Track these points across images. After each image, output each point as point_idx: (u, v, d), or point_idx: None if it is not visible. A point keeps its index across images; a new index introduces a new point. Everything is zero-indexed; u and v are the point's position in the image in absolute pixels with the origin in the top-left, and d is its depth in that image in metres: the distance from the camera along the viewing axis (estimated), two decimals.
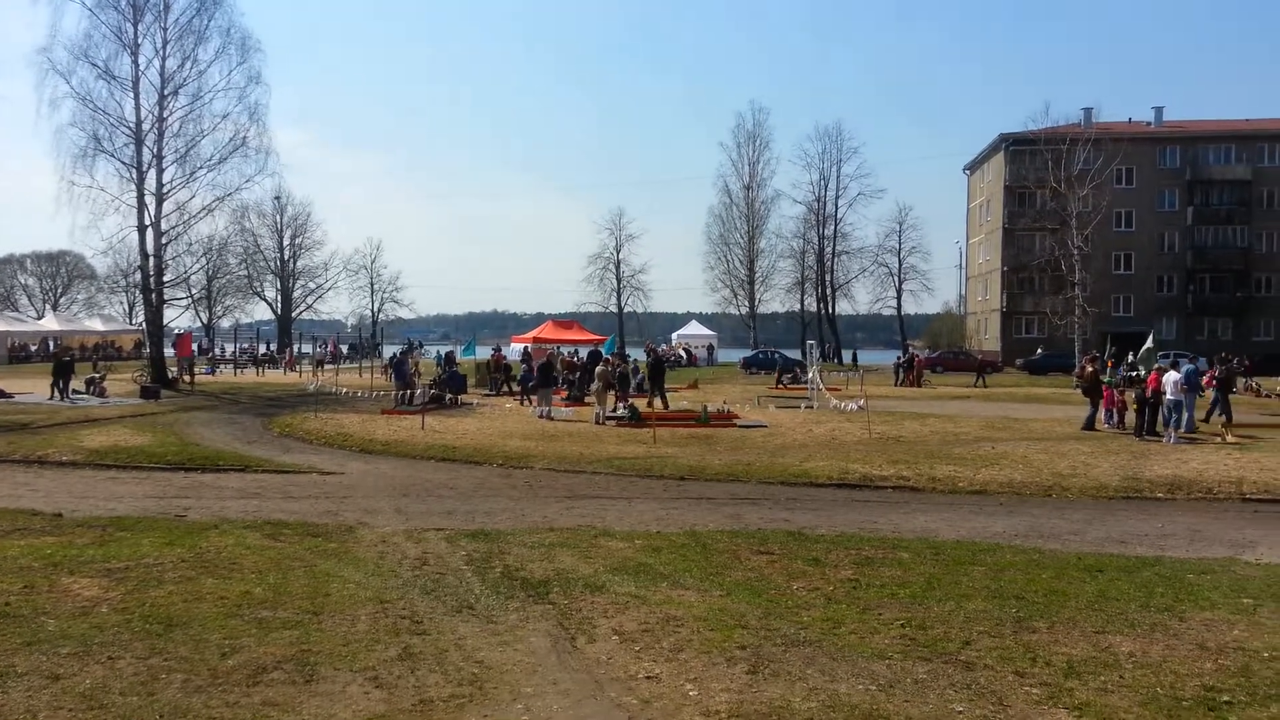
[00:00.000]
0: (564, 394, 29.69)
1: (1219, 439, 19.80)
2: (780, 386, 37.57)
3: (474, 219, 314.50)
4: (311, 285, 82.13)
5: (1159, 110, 66.84)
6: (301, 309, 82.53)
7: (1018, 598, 7.79)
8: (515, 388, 32.03)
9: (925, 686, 5.74)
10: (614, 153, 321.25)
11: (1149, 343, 23.72)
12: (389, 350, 56.78)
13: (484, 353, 49.94)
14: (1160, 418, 20.20)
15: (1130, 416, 21.17)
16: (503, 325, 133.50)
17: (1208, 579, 8.55)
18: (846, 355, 72.36)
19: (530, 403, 27.98)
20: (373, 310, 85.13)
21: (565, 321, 47.05)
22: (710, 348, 66.79)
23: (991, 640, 6.65)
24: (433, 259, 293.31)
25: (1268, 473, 15.08)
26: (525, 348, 41.60)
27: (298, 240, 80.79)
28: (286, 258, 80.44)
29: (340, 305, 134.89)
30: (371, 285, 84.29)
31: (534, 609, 7.36)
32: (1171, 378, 20.09)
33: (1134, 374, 21.63)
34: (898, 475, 15.17)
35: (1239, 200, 62.98)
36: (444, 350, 43.59)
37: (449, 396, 28.71)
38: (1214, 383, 23.71)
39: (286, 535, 10.10)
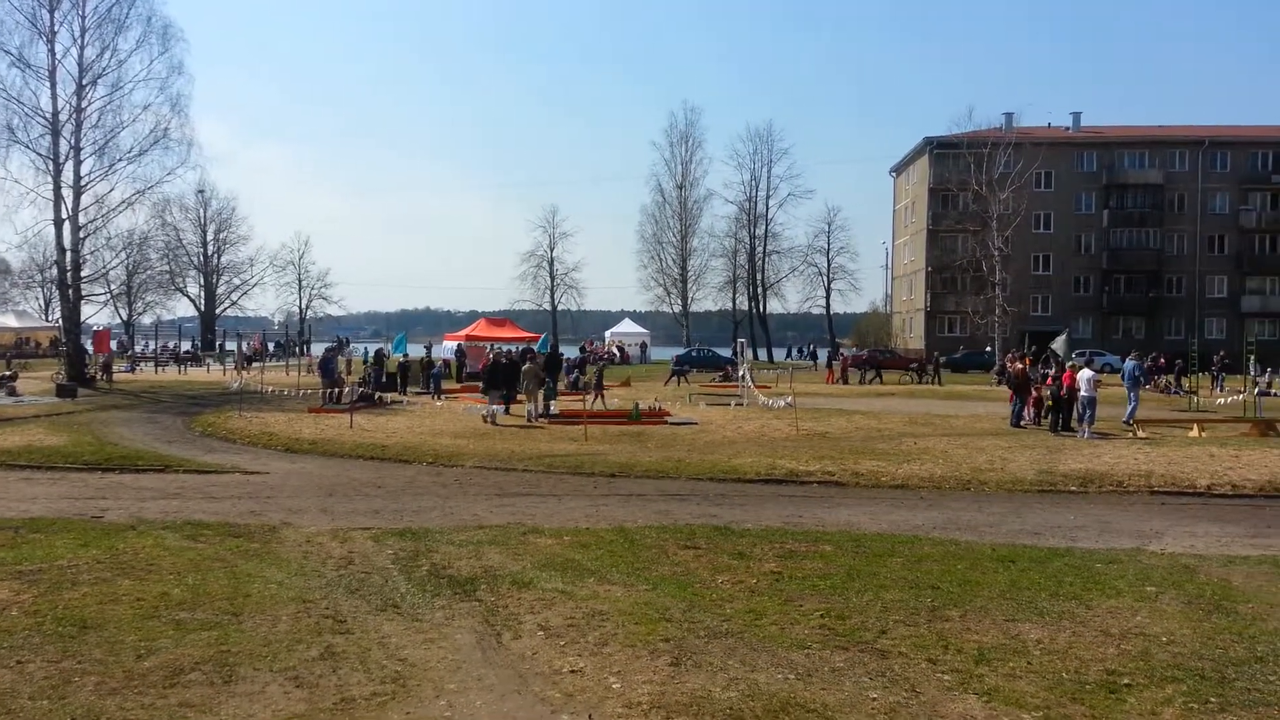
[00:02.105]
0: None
1: (1130, 435, 20.58)
2: (674, 381, 37.96)
3: (407, 216, 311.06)
4: (236, 281, 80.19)
5: (1077, 116, 69.23)
6: (226, 305, 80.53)
7: (933, 588, 8.04)
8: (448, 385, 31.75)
9: (841, 674, 5.91)
10: (549, 150, 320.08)
11: (1059, 340, 24.56)
12: (318, 348, 55.73)
13: (416, 350, 49.37)
14: (1075, 414, 20.92)
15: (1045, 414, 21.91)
16: (436, 323, 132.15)
17: (1115, 569, 8.90)
18: (780, 354, 73.29)
19: (440, 399, 28.17)
20: (300, 307, 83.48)
21: (498, 319, 46.84)
22: (643, 346, 67.08)
23: (907, 629, 6.87)
24: (364, 256, 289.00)
25: (1174, 466, 15.73)
26: (458, 345, 41.32)
27: (222, 235, 78.82)
28: (210, 253, 78.38)
29: (267, 302, 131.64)
30: (299, 281, 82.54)
31: (460, 606, 7.36)
32: (1086, 375, 20.84)
33: (1050, 372, 22.36)
34: (823, 470, 15.46)
35: (1152, 204, 65.48)
36: (373, 348, 43.00)
37: (378, 395, 28.37)
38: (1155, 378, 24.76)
39: (207, 536, 9.92)
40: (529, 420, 23.11)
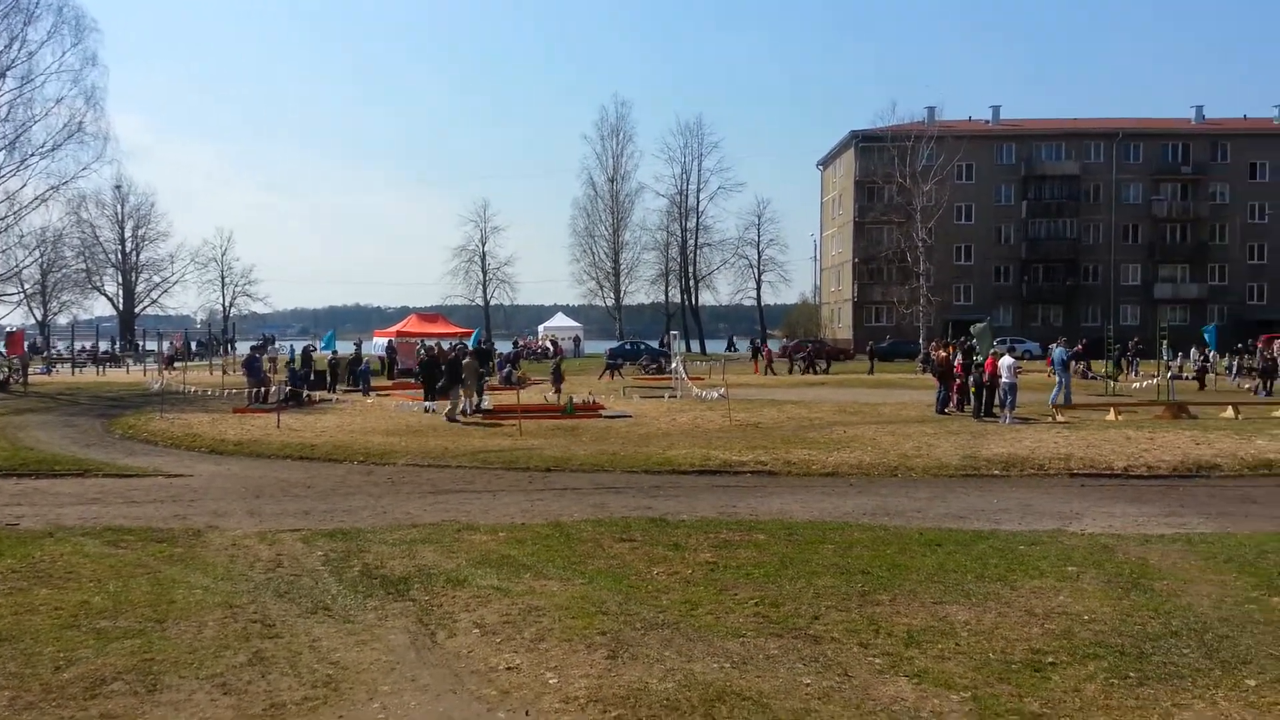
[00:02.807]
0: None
1: (1050, 419, 21.21)
2: (608, 375, 38.12)
3: (335, 211, 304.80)
4: (156, 279, 77.64)
5: (996, 109, 71.04)
6: (146, 304, 77.99)
7: (864, 573, 8.20)
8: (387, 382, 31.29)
9: (776, 661, 5.99)
10: (480, 143, 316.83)
11: (980, 327, 25.19)
12: (243, 347, 54.36)
13: (345, 348, 48.48)
14: (996, 400, 21.50)
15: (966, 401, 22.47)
16: (366, 319, 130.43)
17: (1037, 550, 9.17)
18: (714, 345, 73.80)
19: (370, 396, 27.86)
20: (224, 305, 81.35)
21: (430, 315, 46.34)
22: (577, 339, 66.95)
23: (839, 614, 6.99)
24: (291, 252, 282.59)
25: (1093, 449, 16.26)
26: (389, 341, 40.74)
27: (141, 232, 76.20)
28: (129, 250, 75.80)
29: (188, 300, 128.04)
30: (222, 279, 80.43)
31: (393, 606, 7.27)
32: (1007, 362, 21.40)
33: (975, 358, 22.95)
34: (756, 460, 15.63)
35: (1068, 195, 67.58)
36: (300, 346, 42.11)
37: (306, 393, 27.82)
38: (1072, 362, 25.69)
39: (128, 541, 9.61)
40: (464, 416, 22.88)
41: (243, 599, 7.46)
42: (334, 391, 29.80)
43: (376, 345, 43.07)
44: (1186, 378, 31.96)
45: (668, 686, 5.53)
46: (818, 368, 42.80)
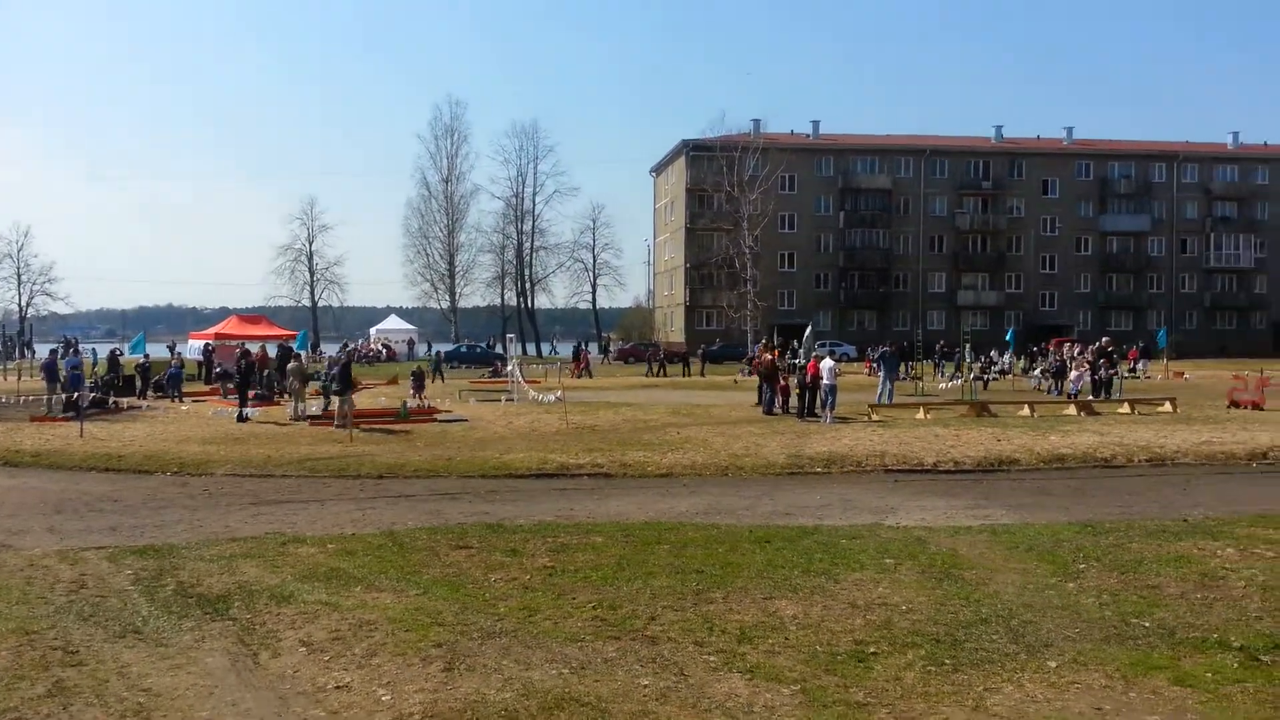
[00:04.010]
0: (251, 393, 27.85)
1: (867, 418, 22.36)
2: (437, 377, 37.68)
3: (148, 205, 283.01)
4: None
5: (816, 124, 74.34)
6: None
7: (698, 571, 8.39)
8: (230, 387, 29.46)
9: (614, 664, 6.04)
10: (307, 139, 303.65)
11: (808, 333, 26.35)
12: (43, 349, 49.98)
13: (158, 351, 45.51)
14: (819, 400, 22.48)
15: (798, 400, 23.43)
16: (180, 321, 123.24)
17: (857, 543, 9.64)
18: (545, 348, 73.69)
19: (184, 402, 26.47)
20: (20, 305, 74.53)
21: (252, 316, 44.15)
22: (410, 342, 65.29)
23: (675, 614, 7.12)
24: (96, 248, 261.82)
25: (905, 446, 17.25)
26: (207, 344, 38.53)
27: None
28: None
29: None
30: (18, 276, 73.74)
31: (212, 627, 6.87)
32: (827, 365, 22.43)
33: (796, 361, 23.99)
34: (593, 463, 15.73)
35: (881, 207, 71.62)
36: (105, 349, 39.18)
37: (113, 400, 25.91)
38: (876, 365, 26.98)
39: None
40: (292, 418, 21.94)
41: (41, 624, 6.87)
42: (144, 398, 27.90)
43: (193, 348, 40.61)
44: (989, 379, 34.40)
45: (505, 696, 5.48)
46: (667, 370, 44.23)
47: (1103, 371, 27.43)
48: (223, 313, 62.01)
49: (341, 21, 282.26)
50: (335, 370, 22.90)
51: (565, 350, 62.65)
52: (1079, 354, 34.28)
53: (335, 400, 22.04)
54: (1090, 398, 26.46)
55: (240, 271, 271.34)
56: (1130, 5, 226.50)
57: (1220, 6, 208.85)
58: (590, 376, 42.14)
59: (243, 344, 33.28)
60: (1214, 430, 19.40)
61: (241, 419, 21.88)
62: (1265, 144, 79.19)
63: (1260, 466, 15.96)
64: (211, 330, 40.23)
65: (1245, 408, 24.37)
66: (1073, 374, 28.96)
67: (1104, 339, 38.21)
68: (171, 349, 47.08)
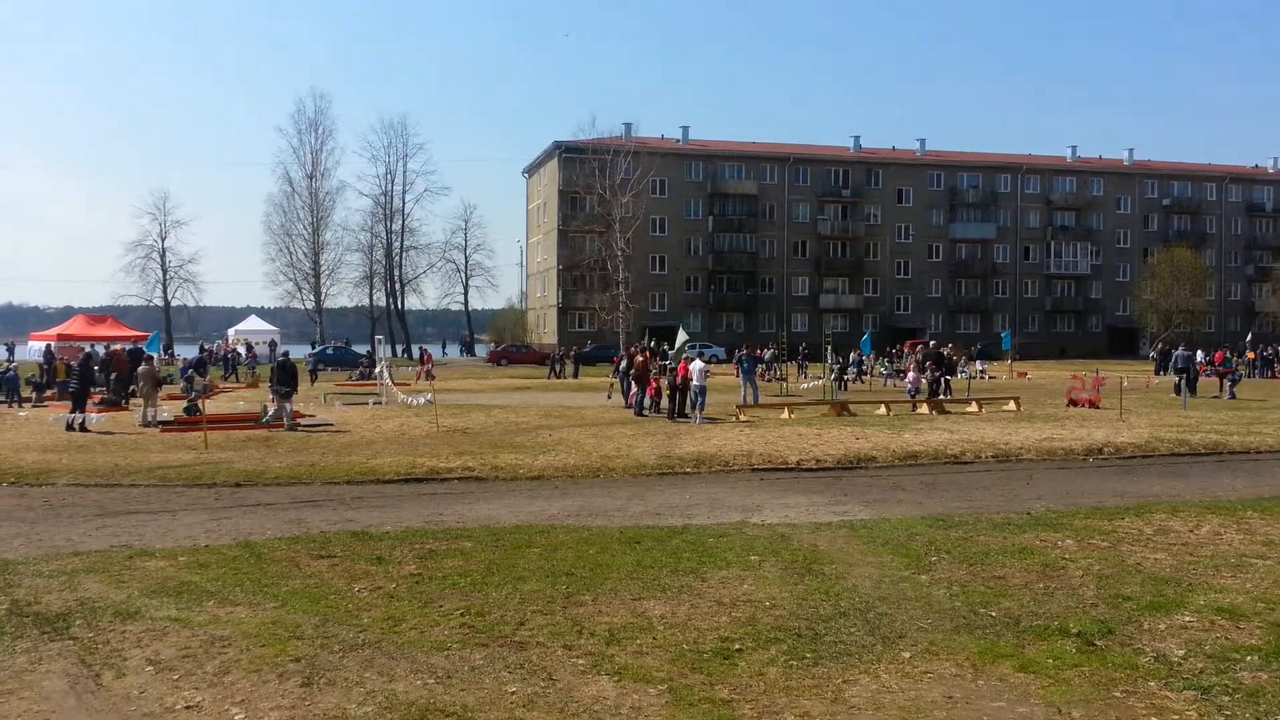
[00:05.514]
0: (97, 397, 26.24)
1: (734, 418, 22.84)
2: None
3: None
4: None
5: (685, 129, 75.57)
6: None
7: (568, 574, 8.38)
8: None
9: (481, 672, 5.96)
10: (157, 129, 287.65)
11: (682, 336, 26.70)
12: None
13: None
14: (689, 401, 22.83)
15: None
16: (20, 320, 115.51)
17: (724, 541, 9.81)
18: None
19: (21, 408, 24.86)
20: None
21: (99, 316, 41.74)
22: (273, 344, 62.73)
23: (544, 618, 7.09)
24: None
25: (770, 446, 17.70)
26: (48, 345, 36.20)
27: None
28: None
29: None
30: None
31: (50, 647, 6.43)
32: (697, 366, 22.81)
33: (666, 363, 24.33)
34: (464, 466, 15.49)
35: (748, 212, 73.46)
36: None
37: None
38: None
39: None
40: (142, 424, 20.79)
41: None
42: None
43: (33, 350, 38.03)
44: (848, 380, 35.66)
45: (367, 710, 5.33)
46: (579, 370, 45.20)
47: (929, 373, 28.78)
48: (67, 312, 58.19)
49: (192, 8, 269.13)
50: (275, 371, 22.45)
51: (438, 353, 61.54)
52: (907, 356, 36.01)
53: (274, 401, 21.61)
54: (927, 398, 27.63)
55: (87, 268, 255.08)
56: (975, 31, 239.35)
57: (1055, 37, 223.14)
58: (432, 378, 41.33)
59: (89, 345, 31.44)
60: (1054, 427, 20.69)
61: (71, 427, 20.42)
62: (1101, 157, 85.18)
63: (1096, 461, 17.10)
64: (54, 331, 37.95)
65: (1082, 406, 26.11)
66: (910, 375, 30.37)
67: (932, 341, 40.27)
68: (10, 349, 43.92)
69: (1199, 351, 45.86)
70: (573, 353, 49.65)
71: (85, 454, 16.93)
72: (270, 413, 21.86)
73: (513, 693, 5.61)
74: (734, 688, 5.72)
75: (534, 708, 5.40)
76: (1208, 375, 36.80)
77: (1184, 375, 29.74)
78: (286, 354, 25.90)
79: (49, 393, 28.51)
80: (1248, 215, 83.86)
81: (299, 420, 21.13)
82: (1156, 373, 42.61)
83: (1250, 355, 47.24)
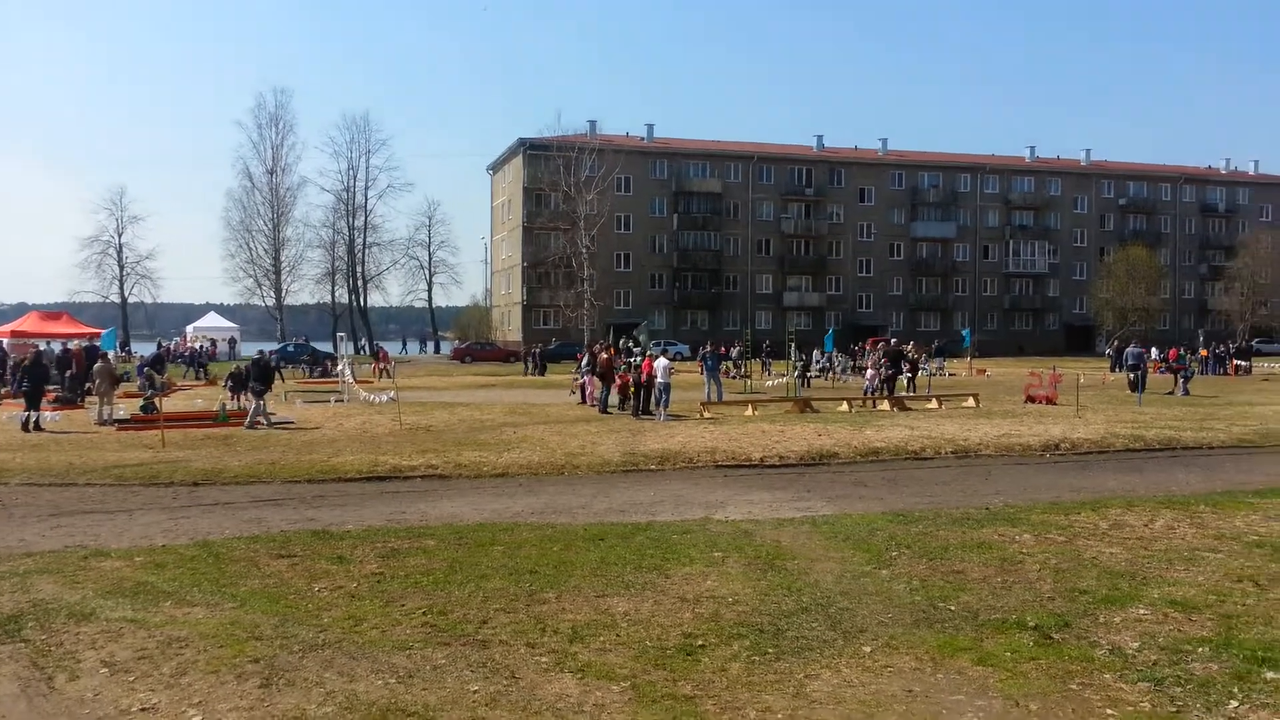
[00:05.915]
0: (52, 395, 25.72)
1: (698, 415, 22.91)
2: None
3: None
4: None
5: (650, 127, 75.76)
6: None
7: (531, 572, 8.35)
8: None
9: (443, 671, 5.93)
10: (114, 122, 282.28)
11: (644, 335, 26.80)
12: None
13: None
14: (654, 398, 22.86)
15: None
16: None
17: (688, 538, 9.84)
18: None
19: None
20: None
21: (53, 313, 41.00)
22: (232, 341, 61.91)
23: (507, 616, 7.07)
24: None
25: (734, 442, 17.76)
26: (1, 342, 35.50)
27: None
28: None
29: None
30: None
31: (1, 650, 6.30)
32: (662, 364, 22.85)
33: (631, 360, 24.36)
34: (427, 464, 15.39)
35: (712, 210, 73.73)
36: None
37: None
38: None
39: None
40: (98, 422, 20.42)
41: None
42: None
43: None
44: (811, 377, 35.90)
45: (327, 711, 5.28)
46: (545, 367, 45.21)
47: (884, 370, 29.03)
48: (21, 309, 57.04)
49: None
50: (251, 368, 22.39)
51: (397, 349, 60.89)
52: (869, 354, 36.36)
53: (251, 398, 21.40)
54: (885, 394, 27.85)
55: (41, 264, 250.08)
56: (936, 32, 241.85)
57: (1016, 38, 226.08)
58: (390, 376, 40.97)
59: (44, 342, 30.87)
60: (1012, 424, 20.98)
61: (26, 426, 20.00)
62: (1059, 157, 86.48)
63: (1053, 457, 17.36)
64: (8, 327, 37.31)
65: (1040, 402, 26.50)
66: (869, 372, 30.66)
67: (894, 339, 40.67)
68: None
69: (1152, 349, 46.79)
70: (536, 350, 49.50)
71: (39, 453, 16.61)
72: (242, 411, 21.69)
73: (475, 691, 5.58)
74: (697, 684, 5.74)
75: (497, 706, 5.38)
76: (1161, 373, 37.55)
77: (1135, 371, 30.32)
78: (262, 352, 25.70)
79: (3, 390, 27.89)
80: (1201, 215, 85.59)
81: (260, 419, 20.86)
82: (1112, 370, 43.39)
83: (1204, 353, 48.23)
